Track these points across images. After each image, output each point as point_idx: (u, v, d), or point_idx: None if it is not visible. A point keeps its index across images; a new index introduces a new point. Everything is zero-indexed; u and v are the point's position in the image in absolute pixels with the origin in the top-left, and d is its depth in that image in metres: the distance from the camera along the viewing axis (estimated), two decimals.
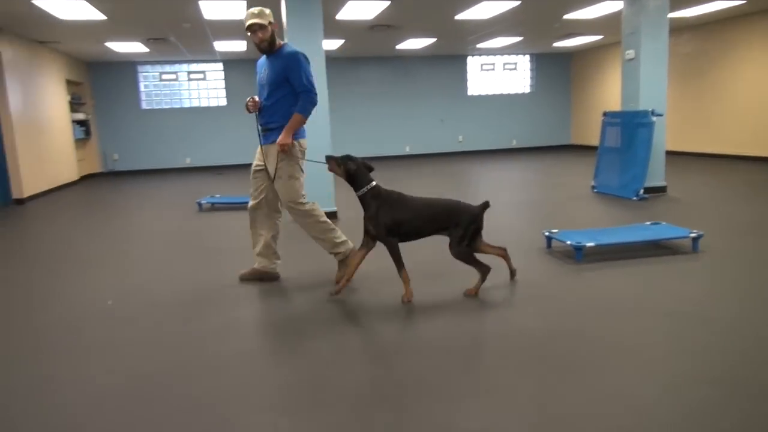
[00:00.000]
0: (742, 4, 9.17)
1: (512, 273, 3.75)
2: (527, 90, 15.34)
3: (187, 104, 13.56)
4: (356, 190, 3.52)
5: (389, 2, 7.83)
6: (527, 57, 15.16)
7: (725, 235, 4.86)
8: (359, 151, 13.61)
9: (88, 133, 12.39)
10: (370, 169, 3.59)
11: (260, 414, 2.24)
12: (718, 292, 3.54)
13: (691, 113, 11.42)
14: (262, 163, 3.94)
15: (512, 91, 15.22)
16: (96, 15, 7.69)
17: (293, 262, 4.33)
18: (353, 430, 2.09)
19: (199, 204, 7.55)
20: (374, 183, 3.51)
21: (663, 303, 3.33)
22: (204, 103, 13.59)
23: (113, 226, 6.72)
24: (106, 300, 3.77)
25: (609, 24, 10.38)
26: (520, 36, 11.74)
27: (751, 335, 2.82)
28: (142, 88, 13.29)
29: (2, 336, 3.24)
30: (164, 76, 13.41)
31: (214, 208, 7.50)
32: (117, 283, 4.20)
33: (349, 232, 4.11)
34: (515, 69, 15.19)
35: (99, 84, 12.97)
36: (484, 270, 3.53)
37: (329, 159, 3.59)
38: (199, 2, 7.24)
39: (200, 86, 13.60)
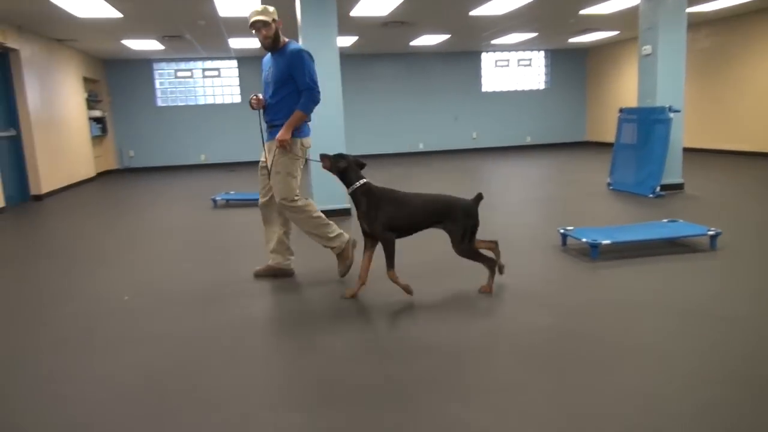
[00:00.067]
0: None
1: (500, 268, 3.66)
2: (542, 86, 15.23)
3: (201, 101, 13.64)
4: (347, 187, 3.53)
5: None
6: (542, 53, 15.05)
7: (744, 233, 4.79)
8: (372, 148, 13.66)
9: (104, 130, 12.52)
10: (362, 166, 3.59)
11: (274, 410, 2.25)
12: (737, 291, 3.49)
13: (709, 109, 11.27)
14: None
15: (527, 88, 15.12)
16: (113, 13, 7.76)
17: (307, 258, 4.34)
18: (366, 427, 2.09)
19: (214, 200, 7.60)
20: (365, 180, 3.51)
21: (680, 301, 3.29)
22: (218, 100, 13.67)
23: (129, 223, 6.79)
24: (123, 296, 3.81)
25: (626, 19, 10.27)
26: (535, 32, 11.65)
27: None
28: (157, 85, 13.40)
29: (20, 330, 3.29)
30: (179, 74, 13.50)
31: (229, 204, 7.54)
32: (133, 279, 4.24)
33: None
34: (530, 65, 15.08)
35: (115, 81, 13.09)
36: (491, 264, 3.51)
37: (323, 157, 3.61)
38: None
39: (215, 83, 13.67)
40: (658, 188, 6.77)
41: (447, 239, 3.51)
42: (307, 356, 2.76)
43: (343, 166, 3.51)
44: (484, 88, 14.85)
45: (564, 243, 4.63)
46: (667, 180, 6.96)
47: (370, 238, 3.52)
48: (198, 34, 9.93)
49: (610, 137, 11.19)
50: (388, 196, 3.48)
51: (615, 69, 14.13)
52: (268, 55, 3.96)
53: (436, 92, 14.51)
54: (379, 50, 13.51)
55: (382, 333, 3.04)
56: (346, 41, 11.39)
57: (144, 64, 13.13)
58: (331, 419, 2.16)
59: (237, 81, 13.65)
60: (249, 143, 13.31)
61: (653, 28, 6.95)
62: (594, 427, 2.03)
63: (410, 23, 9.93)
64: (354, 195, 3.49)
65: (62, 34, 9.43)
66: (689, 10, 7.38)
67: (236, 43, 10.98)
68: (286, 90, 3.82)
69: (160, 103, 13.46)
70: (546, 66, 15.15)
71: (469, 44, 13.20)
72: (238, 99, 13.63)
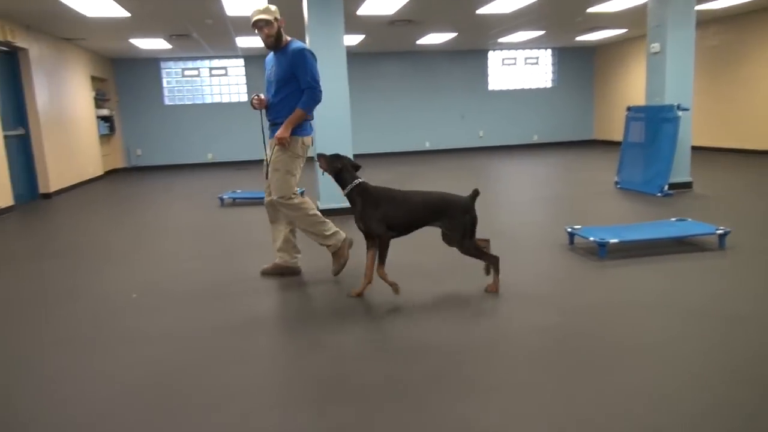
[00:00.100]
0: None
1: (487, 268, 3.62)
2: (549, 85, 15.17)
3: (208, 100, 13.68)
4: (343, 188, 3.53)
5: None
6: (549, 51, 14.99)
7: (753, 232, 4.76)
8: (378, 147, 13.68)
9: (112, 128, 12.58)
10: (357, 168, 3.59)
11: (280, 409, 2.26)
12: (746, 290, 3.46)
13: (718, 107, 11.20)
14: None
15: (534, 86, 15.07)
16: (121, 12, 7.79)
17: (314, 257, 4.34)
18: (371, 426, 2.10)
19: (221, 199, 7.62)
20: (360, 180, 3.50)
21: (689, 301, 3.28)
22: (225, 99, 13.70)
23: (137, 221, 6.82)
24: (131, 293, 3.82)
25: (633, 17, 10.22)
26: (542, 30, 11.61)
27: None
28: (164, 84, 13.44)
29: (28, 328, 3.31)
30: (186, 72, 13.55)
31: (236, 203, 7.56)
32: (141, 277, 4.26)
33: None
34: (537, 63, 15.03)
35: (123, 80, 13.14)
36: (493, 261, 3.50)
37: (320, 156, 3.62)
38: None
39: (222, 82, 13.71)
40: (666, 187, 6.74)
41: (441, 242, 3.50)
42: (313, 354, 2.77)
43: (339, 167, 3.51)
44: (490, 87, 14.81)
45: (571, 242, 4.61)
46: (676, 179, 6.92)
47: (372, 238, 3.52)
48: (205, 33, 9.95)
49: (617, 136, 11.14)
50: (383, 195, 3.48)
51: (623, 67, 14.07)
52: (271, 53, 3.96)
53: (443, 91, 14.49)
54: (386, 49, 13.50)
55: (388, 332, 3.04)
56: (353, 40, 11.38)
57: (151, 62, 13.18)
58: (336, 418, 2.16)
59: (244, 80, 13.68)
60: (256, 142, 13.27)
61: (662, 25, 6.91)
62: (600, 427, 2.02)
63: (417, 22, 9.91)
64: (350, 195, 3.50)
65: (71, 33, 9.48)
66: (698, 7, 7.34)
67: (243, 41, 11.00)
68: (289, 89, 3.82)
69: (167, 101, 13.50)
70: (553, 64, 15.10)
71: (476, 42, 13.17)
72: (245, 98, 13.66)
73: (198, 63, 13.51)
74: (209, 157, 13.70)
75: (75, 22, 8.44)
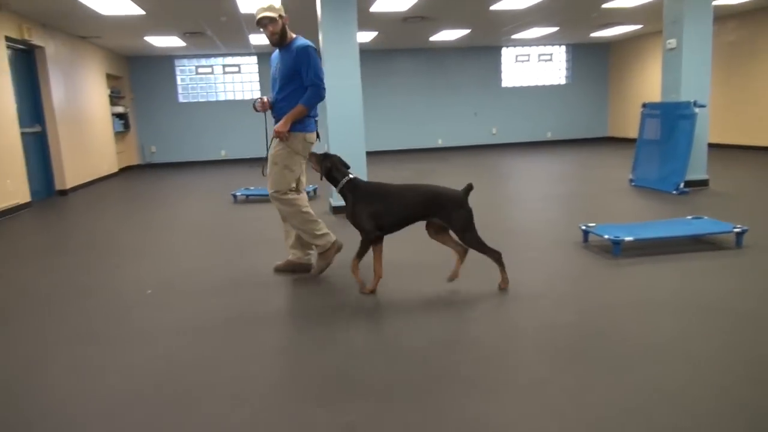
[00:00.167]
0: None
1: (453, 275, 3.59)
2: (563, 81, 15.06)
3: (222, 97, 13.75)
4: (335, 186, 3.53)
5: None
6: (563, 48, 14.88)
7: None
8: (391, 144, 13.68)
9: (127, 126, 12.69)
10: (347, 167, 3.59)
11: (291, 404, 2.26)
12: (764, 289, 3.41)
13: (735, 104, 11.05)
14: None
15: (547, 83, 14.97)
16: (136, 10, 7.85)
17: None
18: (387, 423, 2.09)
19: (234, 196, 7.66)
20: (351, 176, 3.50)
21: (705, 300, 3.24)
22: (239, 96, 13.76)
23: (151, 217, 6.87)
24: (146, 289, 3.86)
25: (649, 12, 10.11)
26: (556, 26, 11.52)
27: None
28: (178, 81, 13.53)
29: (47, 322, 3.35)
30: (200, 70, 13.62)
31: (249, 200, 7.60)
32: (155, 273, 4.29)
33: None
34: (551, 60, 14.93)
35: (137, 78, 13.25)
36: (496, 257, 3.47)
37: (310, 156, 3.63)
38: None
39: (235, 79, 13.77)
40: (682, 184, 6.67)
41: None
42: (324, 351, 2.77)
43: (328, 166, 3.52)
44: (504, 84, 14.74)
45: (585, 239, 4.57)
46: (692, 176, 6.84)
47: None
48: (219, 30, 10.00)
49: (632, 133, 11.03)
50: (374, 191, 3.47)
51: (638, 63, 13.92)
52: (277, 51, 3.97)
53: (456, 87, 14.44)
54: (399, 45, 13.48)
55: (399, 329, 3.03)
56: (366, 37, 11.38)
57: (166, 60, 13.27)
58: (352, 414, 2.16)
59: (257, 77, 13.73)
60: (268, 139, 13.40)
61: (678, 21, 6.83)
62: (614, 426, 2.00)
63: (430, 18, 9.88)
64: (342, 192, 3.51)
65: (86, 31, 9.56)
66: (715, 2, 7.23)
67: (256, 39, 11.04)
68: (293, 86, 3.82)
69: (181, 99, 13.59)
70: (567, 61, 14.99)
71: (490, 39, 13.11)
72: (258, 95, 13.70)
73: (211, 60, 13.58)
74: (222, 154, 13.77)
75: (90, 20, 8.51)
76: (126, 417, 2.21)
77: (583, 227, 4.57)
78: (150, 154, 13.56)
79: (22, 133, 7.79)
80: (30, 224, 6.73)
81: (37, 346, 2.99)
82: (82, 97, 10.09)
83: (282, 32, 3.82)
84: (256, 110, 3.97)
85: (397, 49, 13.93)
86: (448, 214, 3.39)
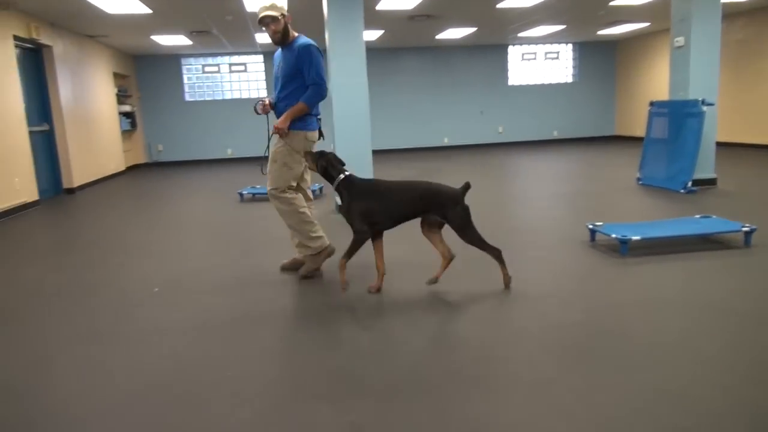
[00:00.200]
0: None
1: (434, 279, 3.55)
2: (570, 80, 15.01)
3: (228, 96, 13.78)
4: (331, 183, 3.53)
5: None
6: (570, 46, 14.82)
7: None
8: (397, 143, 13.65)
9: (133, 124, 12.74)
10: (342, 164, 3.58)
11: (300, 402, 2.26)
12: None
13: (743, 102, 10.98)
14: None
15: (554, 81, 14.92)
16: (142, 9, 7.87)
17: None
18: (394, 421, 2.09)
19: (241, 194, 7.67)
20: (346, 173, 3.50)
21: (713, 299, 3.22)
22: (245, 95, 13.78)
23: (158, 216, 6.89)
24: (153, 287, 3.87)
25: (657, 10, 10.05)
26: (563, 24, 11.48)
27: None
28: (185, 80, 13.56)
29: (55, 320, 3.36)
30: (207, 69, 13.65)
31: (255, 198, 7.61)
32: (162, 271, 4.31)
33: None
34: (557, 58, 14.87)
35: (144, 77, 13.29)
36: (496, 254, 3.46)
37: (306, 154, 3.62)
38: None
39: (241, 78, 13.79)
40: (690, 183, 6.63)
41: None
42: (332, 350, 2.77)
43: (323, 164, 3.51)
44: (510, 82, 14.69)
45: (593, 239, 4.55)
46: (700, 175, 6.80)
47: (373, 231, 3.52)
48: (225, 29, 10.02)
49: (639, 131, 10.97)
50: (369, 189, 3.47)
51: (645, 62, 13.85)
52: (279, 50, 3.97)
53: (462, 86, 14.41)
54: (405, 44, 13.46)
55: (409, 327, 3.03)
56: (372, 35, 11.36)
57: (172, 59, 13.31)
58: (358, 412, 2.16)
59: (263, 75, 13.74)
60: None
61: (686, 19, 6.78)
62: (621, 426, 2.00)
63: (436, 16, 9.86)
64: (338, 189, 3.51)
65: (93, 30, 9.60)
66: (724, 0, 7.18)
67: (262, 37, 11.05)
68: (295, 84, 3.82)
69: (187, 98, 13.63)
70: (574, 59, 14.93)
71: (496, 37, 13.07)
72: (264, 93, 13.73)
73: (218, 59, 13.61)
74: (229, 153, 13.80)
75: (98, 19, 8.54)
76: (132, 415, 2.22)
77: (590, 226, 4.55)
78: (157, 153, 13.61)
79: (30, 132, 7.83)
80: (38, 222, 6.76)
81: (44, 344, 3.00)
82: (89, 95, 10.14)
83: (284, 31, 3.82)
84: (258, 113, 3.97)
85: (403, 48, 13.91)
86: (445, 212, 3.38)
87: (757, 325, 2.83)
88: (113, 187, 9.83)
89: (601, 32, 12.98)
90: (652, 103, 7.54)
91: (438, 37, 12.31)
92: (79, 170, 9.31)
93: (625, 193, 6.91)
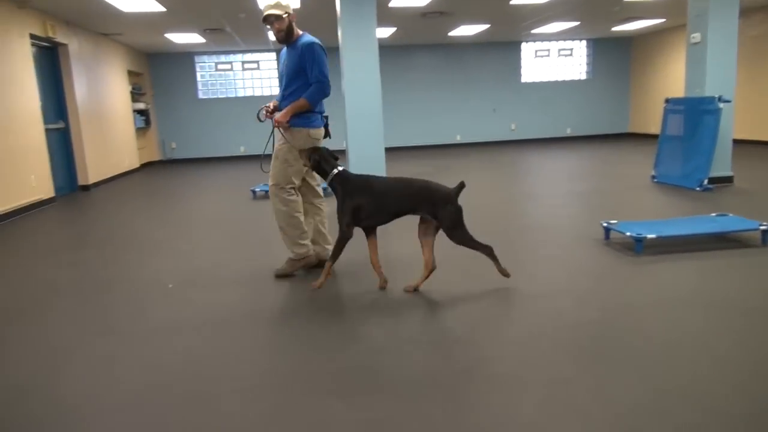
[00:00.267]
0: None
1: (414, 287, 3.50)
2: (583, 76, 14.89)
3: (241, 93, 13.83)
4: (324, 178, 3.54)
5: None
6: (584, 42, 14.71)
7: None
8: (409, 140, 13.66)
9: (147, 122, 12.83)
10: (336, 158, 3.59)
11: (316, 398, 2.27)
12: None
13: (761, 99, 10.83)
14: None
15: (568, 78, 14.81)
16: (156, 7, 7.92)
17: (346, 248, 4.35)
18: (408, 418, 2.09)
19: (253, 191, 7.70)
20: (340, 168, 3.50)
21: (730, 298, 3.18)
22: (257, 93, 13.82)
23: (172, 212, 6.94)
24: (167, 283, 3.90)
25: (672, 6, 9.95)
26: (577, 21, 11.39)
27: None
28: (198, 78, 13.63)
29: (69, 316, 3.40)
30: (220, 66, 13.71)
31: (267, 195, 7.61)
32: (176, 267, 4.33)
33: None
34: (571, 55, 14.76)
35: (158, 74, 13.38)
36: (488, 251, 3.44)
37: (301, 152, 3.63)
38: None
39: (254, 76, 13.84)
40: (706, 181, 6.56)
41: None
42: (348, 346, 2.78)
43: (317, 159, 3.52)
44: (523, 79, 14.61)
45: (607, 237, 4.52)
46: (716, 173, 6.72)
47: (367, 229, 3.54)
48: (238, 26, 10.05)
49: (654, 129, 10.88)
50: (361, 185, 3.46)
51: (661, 58, 13.71)
52: (285, 48, 3.98)
53: (475, 83, 14.36)
54: (417, 41, 13.42)
55: (422, 325, 3.03)
56: (385, 32, 11.35)
57: (186, 57, 13.38)
58: (371, 409, 2.16)
59: (276, 73, 13.77)
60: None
61: (703, 14, 6.70)
62: (635, 424, 1.98)
63: (449, 13, 9.83)
64: (332, 185, 3.51)
65: (108, 28, 9.68)
66: None
67: None
68: (299, 82, 3.82)
69: (201, 95, 13.70)
70: (588, 55, 14.81)
71: (509, 34, 13.00)
72: (276, 91, 13.75)
73: (231, 57, 13.66)
74: (241, 150, 13.86)
75: (112, 18, 8.61)
76: (145, 411, 2.24)
77: (605, 224, 4.52)
78: (170, 150, 13.70)
79: (46, 130, 7.91)
80: (54, 219, 6.84)
81: (59, 339, 3.03)
82: (104, 93, 10.22)
83: (288, 29, 3.81)
84: (260, 120, 3.98)
85: (415, 45, 13.88)
86: (436, 210, 3.35)
87: None
88: (128, 184, 9.92)
89: (615, 28, 12.86)
90: (667, 100, 7.46)
91: (451, 34, 12.26)
92: (94, 167, 9.40)
93: (639, 191, 6.85)
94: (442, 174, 8.99)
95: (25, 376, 2.60)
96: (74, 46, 8.95)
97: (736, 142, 7.08)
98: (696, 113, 6.82)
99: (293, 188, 3.91)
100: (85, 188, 9.13)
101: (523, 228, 5.17)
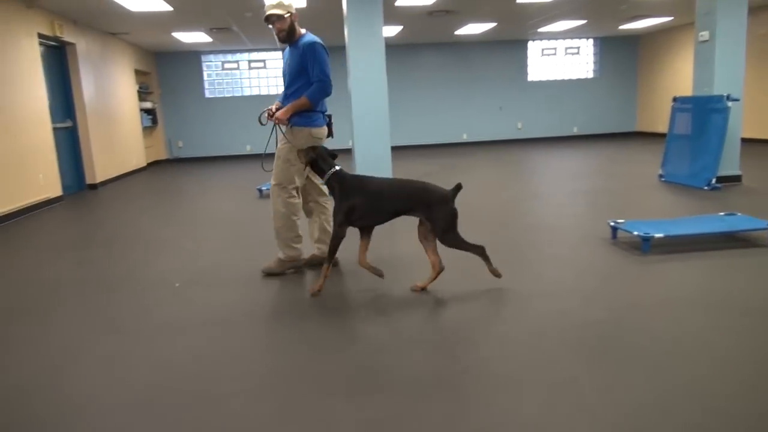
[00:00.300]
0: None
1: (421, 288, 3.48)
2: (590, 75, 14.83)
3: (248, 92, 13.85)
4: (321, 178, 3.53)
5: None
6: (591, 41, 14.64)
7: None
8: (415, 139, 13.65)
9: (154, 121, 12.87)
10: (334, 157, 3.58)
11: (321, 397, 2.27)
12: None
13: None
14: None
15: (574, 77, 14.75)
16: (164, 6, 7.94)
17: (351, 248, 4.35)
18: (413, 417, 2.09)
19: (260, 190, 7.71)
20: (337, 168, 3.49)
21: (738, 298, 3.16)
22: (264, 92, 13.84)
23: (179, 211, 6.96)
24: (174, 282, 3.91)
25: (680, 4, 9.89)
26: (584, 19, 11.34)
27: None
28: (205, 77, 13.67)
29: (77, 314, 3.42)
30: (226, 65, 13.74)
31: None
32: (182, 266, 4.35)
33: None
34: (578, 53, 14.70)
35: (165, 73, 13.42)
36: (480, 251, 3.41)
37: (299, 152, 3.64)
38: None
39: (260, 75, 13.86)
40: (714, 180, 6.52)
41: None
42: (353, 345, 2.78)
43: (313, 157, 3.51)
44: (530, 77, 14.57)
45: (614, 236, 4.50)
46: (724, 172, 6.68)
47: (362, 229, 3.54)
48: (245, 25, 10.06)
49: (661, 128, 10.82)
50: (357, 185, 3.46)
51: (668, 56, 13.63)
52: (288, 47, 3.98)
53: (481, 82, 14.33)
54: (424, 40, 13.41)
55: (424, 324, 3.03)
56: (390, 31, 11.34)
57: (192, 56, 13.42)
58: (377, 408, 2.16)
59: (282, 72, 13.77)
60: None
61: (711, 13, 6.66)
62: (641, 424, 1.97)
63: (455, 12, 9.81)
64: (329, 184, 3.51)
65: (115, 27, 9.72)
66: None
67: None
68: (301, 82, 3.83)
69: (207, 94, 13.73)
70: (595, 54, 14.75)
71: (516, 33, 12.96)
72: (281, 90, 13.75)
73: (237, 56, 13.69)
74: (248, 149, 13.88)
75: (120, 17, 8.64)
76: (151, 409, 2.25)
77: (612, 223, 4.50)
78: (177, 149, 13.75)
79: (54, 129, 7.95)
80: (61, 218, 6.87)
81: (65, 338, 3.05)
82: (111, 92, 10.27)
83: (290, 29, 3.82)
84: (262, 124, 3.98)
85: (422, 44, 13.86)
86: (431, 212, 3.34)
87: None
88: (134, 183, 9.96)
89: (622, 27, 12.80)
90: (675, 99, 7.42)
91: (457, 32, 12.24)
92: (101, 166, 9.44)
93: (646, 190, 6.82)
94: (447, 173, 8.98)
95: (31, 374, 2.61)
96: (82, 45, 8.99)
97: (744, 140, 7.03)
98: (704, 112, 6.78)
99: (295, 189, 3.92)
100: (93, 187, 9.18)
101: (529, 227, 5.15)
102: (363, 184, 3.48)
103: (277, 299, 3.51)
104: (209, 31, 10.50)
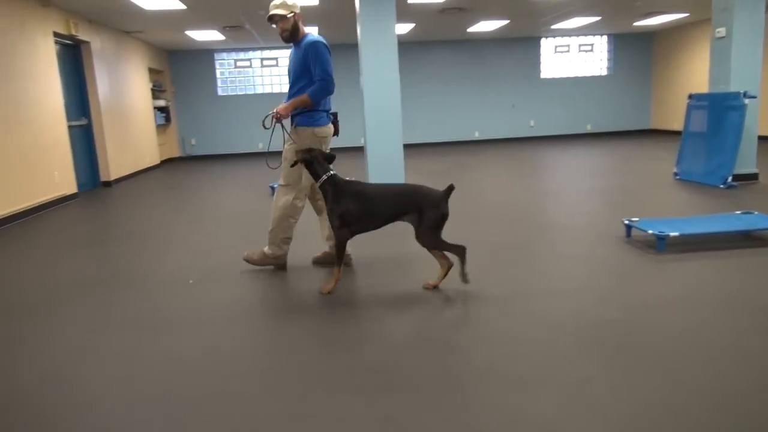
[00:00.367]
0: None
1: (433, 286, 3.46)
2: (604, 72, 14.71)
3: (260, 90, 13.90)
4: (316, 180, 3.53)
5: None
6: (605, 38, 14.52)
7: None
8: (427, 136, 13.66)
9: (168, 119, 12.96)
10: (330, 160, 3.57)
11: (334, 394, 2.28)
12: None
13: None
14: None
15: (588, 74, 14.64)
16: (177, 5, 7.99)
17: (363, 246, 4.35)
18: (425, 415, 2.09)
19: (272, 188, 7.72)
20: (332, 172, 3.48)
21: (755, 298, 3.12)
22: (276, 90, 13.88)
23: (192, 208, 7.00)
24: (188, 278, 3.94)
25: (696, 0, 9.77)
26: (598, 15, 11.24)
27: None
28: (218, 75, 13.73)
29: (92, 310, 3.45)
30: (239, 63, 13.80)
31: None
32: (196, 262, 4.38)
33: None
34: (591, 50, 14.59)
35: (178, 71, 13.51)
36: (459, 252, 3.36)
37: (296, 151, 3.63)
38: None
39: (273, 72, 13.90)
40: (730, 178, 6.44)
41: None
42: (366, 343, 2.78)
43: (308, 158, 3.50)
44: (543, 75, 14.48)
45: (628, 234, 4.47)
46: (740, 170, 6.60)
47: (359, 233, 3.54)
48: (257, 23, 10.09)
49: (676, 125, 10.71)
50: (349, 190, 3.45)
51: (684, 53, 13.49)
52: (292, 47, 3.99)
53: (494, 79, 14.27)
54: (436, 37, 13.38)
55: (440, 322, 3.02)
56: (403, 29, 11.32)
57: (206, 54, 13.49)
58: (389, 406, 2.16)
59: None
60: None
61: (728, 8, 6.58)
62: (656, 424, 1.95)
63: (468, 9, 9.77)
64: (323, 188, 3.50)
65: (129, 26, 9.79)
66: None
67: None
68: (304, 81, 3.84)
69: (220, 92, 13.80)
70: (609, 51, 14.62)
71: (528, 30, 12.89)
72: (287, 89, 13.79)
73: (250, 54, 13.74)
74: (260, 147, 13.92)
75: (134, 16, 8.71)
76: (165, 405, 2.26)
77: (626, 222, 4.46)
78: (190, 147, 13.83)
79: (69, 126, 8.03)
80: (76, 215, 6.94)
81: (82, 333, 3.08)
82: (125, 90, 10.35)
83: (293, 29, 3.83)
84: (266, 127, 3.98)
85: (434, 41, 13.82)
86: (421, 213, 3.32)
87: None
88: (148, 180, 10.03)
89: (637, 23, 12.68)
90: (691, 96, 7.34)
91: (469, 30, 12.19)
92: (116, 164, 9.52)
93: (661, 188, 6.75)
94: (459, 170, 8.96)
95: (43, 369, 2.64)
96: (97, 43, 9.07)
97: (761, 138, 6.94)
98: (720, 109, 6.70)
99: (304, 192, 3.95)
100: (107, 184, 9.26)
101: (543, 225, 5.12)
102: (355, 189, 3.47)
103: (289, 296, 3.52)
104: (222, 30, 10.54)
